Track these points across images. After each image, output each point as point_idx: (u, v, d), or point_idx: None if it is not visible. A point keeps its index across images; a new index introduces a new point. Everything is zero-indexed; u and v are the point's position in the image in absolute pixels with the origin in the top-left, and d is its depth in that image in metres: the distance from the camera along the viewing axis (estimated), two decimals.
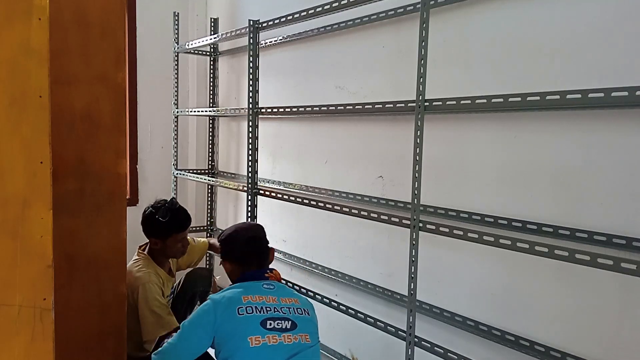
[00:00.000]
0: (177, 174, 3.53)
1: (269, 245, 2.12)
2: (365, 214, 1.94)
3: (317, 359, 1.85)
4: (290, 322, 1.81)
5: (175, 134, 3.58)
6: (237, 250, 2.02)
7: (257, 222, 2.18)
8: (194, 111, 3.35)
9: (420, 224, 1.74)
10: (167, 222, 2.29)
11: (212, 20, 3.64)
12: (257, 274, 1.97)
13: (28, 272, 1.23)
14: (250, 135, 2.60)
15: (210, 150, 3.77)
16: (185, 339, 1.78)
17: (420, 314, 2.10)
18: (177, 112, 3.53)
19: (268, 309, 1.81)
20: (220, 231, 3.68)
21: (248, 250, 2.02)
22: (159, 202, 2.38)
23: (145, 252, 2.39)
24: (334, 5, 2.08)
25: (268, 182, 3.09)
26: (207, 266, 3.71)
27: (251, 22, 2.56)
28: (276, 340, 1.75)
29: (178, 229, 2.34)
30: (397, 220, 1.83)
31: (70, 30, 1.80)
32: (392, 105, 1.89)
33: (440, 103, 1.71)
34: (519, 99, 1.50)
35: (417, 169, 1.75)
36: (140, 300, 2.20)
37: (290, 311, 1.85)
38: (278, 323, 1.79)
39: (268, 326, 1.76)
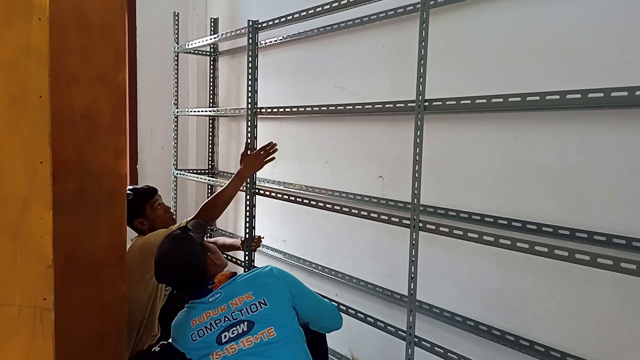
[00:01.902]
0: (177, 174, 3.53)
1: (202, 262, 1.90)
2: (365, 214, 1.94)
3: (293, 349, 1.73)
4: (245, 323, 1.74)
5: (175, 134, 3.59)
6: (174, 286, 2.05)
7: (182, 246, 1.93)
8: (194, 111, 3.35)
9: (420, 224, 1.74)
10: (137, 196, 2.38)
11: (212, 20, 3.64)
12: (201, 293, 1.86)
13: (28, 272, 1.23)
14: (249, 135, 2.60)
15: (210, 150, 3.77)
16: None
17: (420, 314, 2.10)
18: (177, 112, 3.53)
19: (218, 321, 1.77)
20: (220, 231, 3.69)
21: (180, 283, 1.91)
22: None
23: (136, 239, 2.40)
24: (334, 5, 2.08)
25: (268, 182, 3.09)
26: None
27: (250, 22, 2.55)
28: (235, 350, 1.71)
29: (147, 196, 2.43)
30: (397, 220, 1.83)
31: (70, 30, 1.80)
32: (392, 105, 1.89)
33: (440, 103, 1.71)
34: (519, 99, 1.50)
35: (417, 169, 1.75)
36: (145, 239, 2.27)
37: (242, 313, 1.77)
38: (233, 331, 1.74)
39: (223, 340, 1.73)
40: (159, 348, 1.87)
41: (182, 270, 1.85)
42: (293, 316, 1.80)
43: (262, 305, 1.77)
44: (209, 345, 1.73)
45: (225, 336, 1.72)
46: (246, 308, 1.77)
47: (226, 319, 1.76)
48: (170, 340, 1.88)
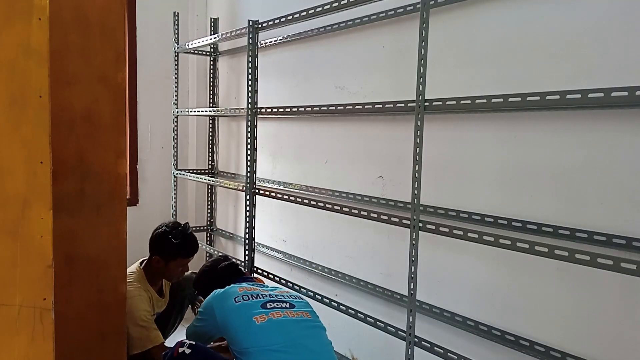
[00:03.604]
0: (177, 174, 3.53)
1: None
2: (365, 214, 1.94)
3: (324, 335, 1.91)
4: (287, 303, 1.90)
5: (175, 134, 3.59)
6: (215, 276, 2.15)
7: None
8: (194, 111, 3.35)
9: (420, 224, 1.74)
10: (178, 244, 2.31)
11: (212, 20, 3.64)
12: (244, 279, 2.10)
13: (28, 272, 1.23)
14: (249, 135, 2.60)
15: (210, 150, 3.77)
16: (197, 331, 2.00)
17: (420, 314, 2.10)
18: (177, 112, 3.53)
19: (264, 295, 1.91)
20: (220, 231, 3.69)
21: (225, 274, 2.15)
22: (173, 223, 2.40)
23: (141, 268, 2.37)
24: (334, 5, 2.08)
25: (268, 182, 3.09)
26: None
27: (250, 22, 2.56)
28: (280, 315, 1.83)
29: (185, 254, 2.36)
30: (397, 220, 1.83)
31: (70, 30, 1.79)
32: (392, 105, 1.89)
33: (440, 103, 1.71)
34: (519, 99, 1.51)
35: (417, 169, 1.75)
36: (127, 313, 2.18)
37: (285, 297, 1.94)
38: (277, 304, 1.88)
39: (269, 306, 1.85)
40: (189, 350, 1.86)
41: (235, 264, 2.24)
42: (318, 316, 1.97)
43: (299, 299, 1.99)
44: (253, 308, 1.84)
45: (270, 305, 1.87)
46: (287, 296, 1.97)
47: (270, 296, 1.92)
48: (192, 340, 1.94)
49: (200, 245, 3.43)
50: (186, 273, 2.58)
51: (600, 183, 1.61)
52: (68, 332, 1.76)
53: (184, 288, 2.51)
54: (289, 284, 2.43)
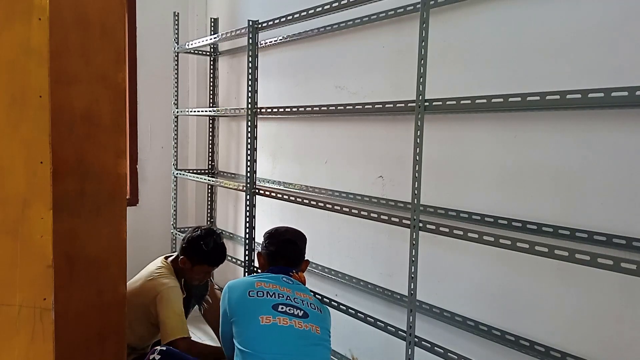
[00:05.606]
0: (177, 174, 3.53)
1: (304, 255, 2.19)
2: (365, 214, 1.94)
3: (327, 354, 1.87)
4: (302, 311, 1.86)
5: (175, 134, 3.59)
6: (271, 246, 2.12)
7: (302, 232, 2.24)
8: (194, 111, 3.35)
9: (420, 224, 1.74)
10: (207, 251, 2.35)
11: (212, 20, 3.65)
12: (281, 270, 2.04)
13: (28, 272, 1.23)
14: (249, 135, 2.60)
15: (210, 150, 3.78)
16: (221, 327, 1.97)
17: (420, 314, 2.10)
18: (177, 112, 3.53)
19: (280, 295, 1.87)
20: (220, 231, 3.69)
21: (280, 251, 2.10)
22: (208, 228, 2.44)
23: (169, 263, 2.42)
24: (334, 5, 2.08)
25: (268, 182, 3.09)
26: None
27: (250, 22, 2.56)
28: (286, 323, 1.79)
29: (212, 262, 2.40)
30: (397, 220, 1.83)
31: (70, 30, 1.80)
32: (392, 105, 1.89)
33: (440, 103, 1.71)
34: (519, 99, 1.50)
35: (417, 169, 1.75)
36: (164, 302, 2.22)
37: (303, 303, 1.89)
38: (289, 309, 1.84)
39: (279, 309, 1.82)
40: (159, 356, 1.88)
41: (299, 245, 2.16)
42: (329, 333, 1.95)
43: (318, 310, 1.94)
44: (263, 307, 1.81)
45: (281, 307, 1.82)
46: (307, 303, 1.91)
47: (287, 298, 1.88)
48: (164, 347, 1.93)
49: None
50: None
51: (600, 183, 1.61)
52: (68, 332, 1.76)
53: (191, 287, 2.52)
54: None
